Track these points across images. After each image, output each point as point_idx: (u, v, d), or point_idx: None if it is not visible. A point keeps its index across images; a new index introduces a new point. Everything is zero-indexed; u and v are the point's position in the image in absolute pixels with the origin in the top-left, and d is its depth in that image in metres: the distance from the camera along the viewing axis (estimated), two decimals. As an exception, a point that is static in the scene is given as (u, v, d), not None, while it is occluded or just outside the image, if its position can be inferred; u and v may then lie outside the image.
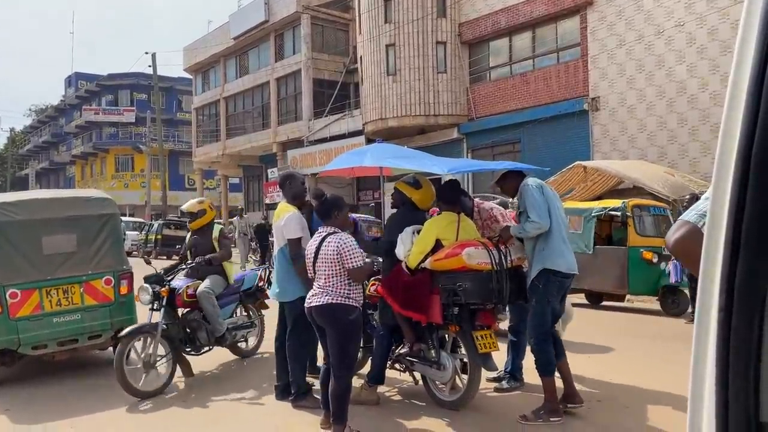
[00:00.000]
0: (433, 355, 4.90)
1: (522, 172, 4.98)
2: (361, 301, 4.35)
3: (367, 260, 4.52)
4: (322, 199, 4.50)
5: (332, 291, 4.13)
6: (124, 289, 6.42)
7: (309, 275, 4.41)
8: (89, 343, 6.26)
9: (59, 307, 6.01)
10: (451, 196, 5.02)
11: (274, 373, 5.37)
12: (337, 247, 4.11)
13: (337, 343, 4.18)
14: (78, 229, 6.24)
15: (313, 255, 4.26)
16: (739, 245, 0.64)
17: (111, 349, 6.89)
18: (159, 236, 25.05)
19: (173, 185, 42.50)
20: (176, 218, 29.80)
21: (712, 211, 0.68)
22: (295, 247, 4.95)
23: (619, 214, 9.79)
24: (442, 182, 5.96)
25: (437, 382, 4.99)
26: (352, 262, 4.11)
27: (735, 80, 0.68)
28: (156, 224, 26.54)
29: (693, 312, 8.06)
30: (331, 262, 4.13)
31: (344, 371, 4.20)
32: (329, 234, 4.24)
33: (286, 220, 5.01)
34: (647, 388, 5.31)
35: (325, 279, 4.16)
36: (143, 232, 27.02)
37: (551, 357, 4.57)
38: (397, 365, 5.27)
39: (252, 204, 32.74)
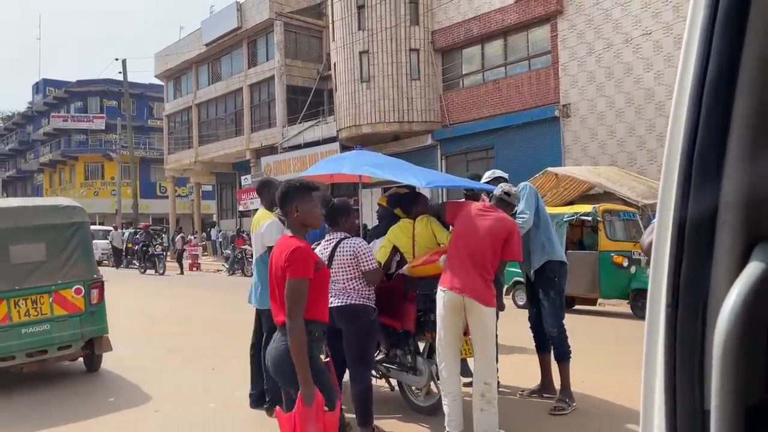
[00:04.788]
0: (410, 360, 4.93)
1: None
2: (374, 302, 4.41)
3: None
4: (330, 205, 4.52)
5: (353, 293, 4.25)
6: (95, 299, 6.33)
7: None
8: (59, 354, 6.15)
9: (28, 317, 5.90)
10: (404, 205, 5.19)
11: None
12: (354, 250, 4.23)
13: (357, 342, 4.25)
14: (47, 238, 6.14)
15: (326, 261, 4.29)
16: (683, 245, 0.68)
17: (81, 359, 6.79)
18: (130, 245, 24.71)
19: (145, 193, 41.97)
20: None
21: (660, 212, 0.72)
22: None
23: (590, 219, 9.95)
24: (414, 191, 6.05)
25: (413, 388, 5.02)
26: (367, 265, 4.23)
27: (679, 89, 0.73)
28: (127, 233, 26.17)
29: None
30: (349, 266, 4.24)
31: (364, 371, 4.32)
32: (342, 239, 4.31)
33: (266, 227, 4.98)
34: (618, 388, 5.40)
35: (344, 282, 4.26)
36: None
37: (568, 344, 5.01)
38: (373, 372, 5.27)
39: (225, 212, 32.45)
